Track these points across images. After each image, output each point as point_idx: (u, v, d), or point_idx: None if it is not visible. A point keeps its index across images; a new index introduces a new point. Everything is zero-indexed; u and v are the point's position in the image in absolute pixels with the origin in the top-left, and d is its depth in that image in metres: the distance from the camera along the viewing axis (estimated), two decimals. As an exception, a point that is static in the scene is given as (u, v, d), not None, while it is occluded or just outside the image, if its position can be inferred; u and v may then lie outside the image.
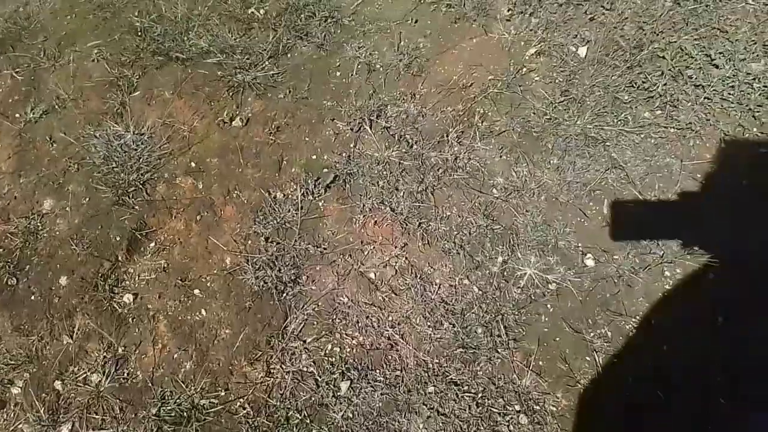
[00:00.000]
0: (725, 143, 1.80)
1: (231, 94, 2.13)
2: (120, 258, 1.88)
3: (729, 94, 1.83)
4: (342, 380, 1.61)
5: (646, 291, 1.65)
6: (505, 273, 1.72)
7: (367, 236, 1.82)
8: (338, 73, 2.14)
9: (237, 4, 2.33)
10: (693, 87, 1.87)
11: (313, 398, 1.61)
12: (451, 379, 1.60)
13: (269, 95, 2.12)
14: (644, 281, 1.66)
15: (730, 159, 1.78)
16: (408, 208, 1.83)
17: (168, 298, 1.81)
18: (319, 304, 1.73)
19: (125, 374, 1.71)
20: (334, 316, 1.71)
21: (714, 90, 1.84)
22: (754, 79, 1.83)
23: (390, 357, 1.65)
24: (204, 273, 1.83)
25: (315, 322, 1.71)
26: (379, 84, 2.08)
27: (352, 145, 1.97)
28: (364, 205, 1.85)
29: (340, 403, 1.59)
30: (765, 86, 1.81)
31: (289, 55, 2.21)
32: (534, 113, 1.95)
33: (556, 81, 1.99)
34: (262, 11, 2.30)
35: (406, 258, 1.77)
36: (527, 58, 2.06)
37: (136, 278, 1.85)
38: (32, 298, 1.87)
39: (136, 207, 1.95)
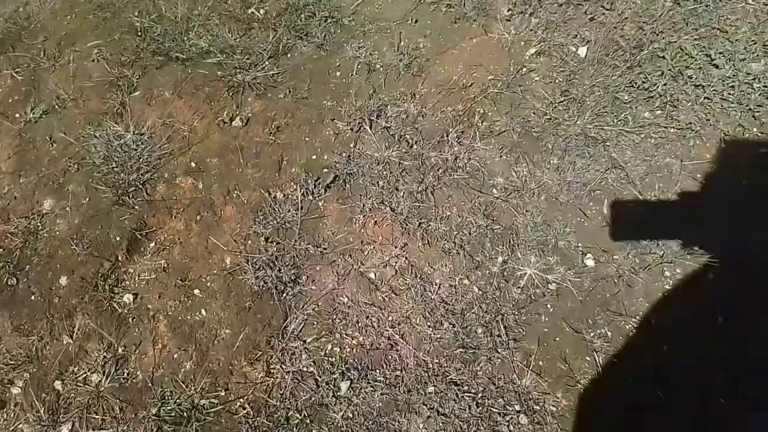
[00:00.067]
0: (725, 143, 1.80)
1: (231, 94, 2.13)
2: (120, 258, 1.88)
3: (729, 94, 1.83)
4: (342, 380, 1.61)
5: (646, 291, 1.65)
6: (505, 273, 1.72)
7: (367, 236, 1.82)
8: (338, 73, 2.14)
9: (237, 4, 2.33)
10: (693, 87, 1.87)
11: (313, 398, 1.61)
12: (451, 379, 1.60)
13: (269, 95, 2.12)
14: (644, 281, 1.66)
15: (730, 159, 1.78)
16: (408, 208, 1.83)
17: (168, 298, 1.81)
18: (319, 304, 1.73)
19: (125, 374, 1.71)
20: (334, 316, 1.71)
21: (714, 90, 1.84)
22: (754, 79, 1.83)
23: (390, 357, 1.65)
24: (204, 273, 1.83)
25: (315, 322, 1.71)
26: (379, 84, 2.08)
27: (352, 145, 1.97)
28: (364, 205, 1.85)
29: (340, 403, 1.59)
30: (765, 86, 1.81)
31: (289, 55, 2.21)
32: (534, 113, 1.95)
33: (556, 81, 1.99)
34: (262, 11, 2.30)
35: (406, 258, 1.77)
36: (527, 58, 2.06)
37: (136, 278, 1.85)
38: (32, 298, 1.87)
39: (136, 207, 1.95)
